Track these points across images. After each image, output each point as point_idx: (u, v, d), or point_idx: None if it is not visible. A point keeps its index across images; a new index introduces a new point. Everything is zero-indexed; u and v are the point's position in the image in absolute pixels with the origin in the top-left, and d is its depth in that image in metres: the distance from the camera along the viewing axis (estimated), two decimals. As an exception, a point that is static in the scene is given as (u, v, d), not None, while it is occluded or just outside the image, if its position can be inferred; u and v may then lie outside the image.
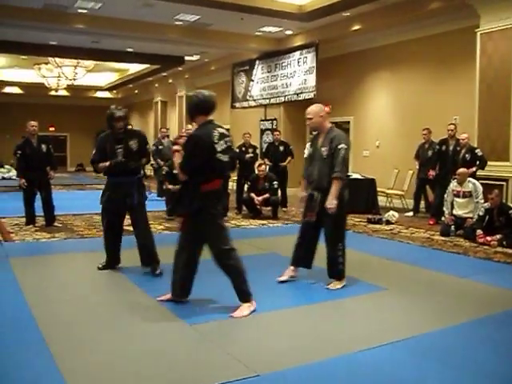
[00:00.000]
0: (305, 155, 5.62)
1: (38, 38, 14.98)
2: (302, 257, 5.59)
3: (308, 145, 5.63)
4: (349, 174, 11.48)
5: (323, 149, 5.27)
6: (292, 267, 5.63)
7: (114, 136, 5.90)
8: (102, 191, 6.02)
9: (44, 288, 5.29)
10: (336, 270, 5.39)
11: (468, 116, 10.18)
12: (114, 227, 6.01)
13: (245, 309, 4.47)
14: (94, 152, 5.98)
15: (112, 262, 6.03)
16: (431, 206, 10.32)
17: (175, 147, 4.71)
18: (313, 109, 5.41)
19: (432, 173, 10.00)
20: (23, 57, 19.12)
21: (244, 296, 4.54)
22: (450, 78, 11.30)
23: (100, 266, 6.00)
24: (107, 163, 5.80)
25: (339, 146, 5.16)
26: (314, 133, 5.57)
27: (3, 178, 20.79)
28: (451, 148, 9.68)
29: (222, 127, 4.55)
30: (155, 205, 11.72)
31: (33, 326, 4.10)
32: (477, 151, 9.24)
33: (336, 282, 5.40)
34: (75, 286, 5.42)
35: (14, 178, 18.66)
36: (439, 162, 9.96)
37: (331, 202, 5.09)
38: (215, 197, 4.49)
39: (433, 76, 11.75)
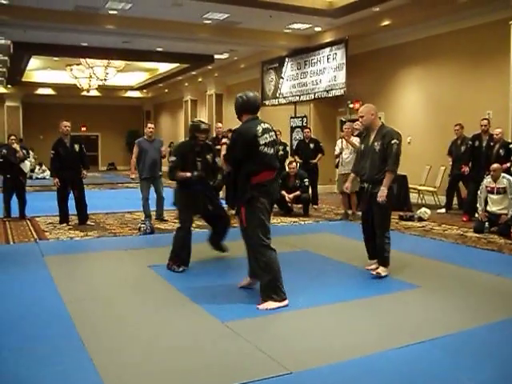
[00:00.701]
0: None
1: (70, 40, 15.20)
2: (374, 252, 5.86)
3: (357, 140, 5.82)
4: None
5: (376, 143, 5.64)
6: (370, 261, 5.95)
7: (193, 147, 6.11)
8: (175, 195, 6.14)
9: (78, 285, 5.37)
10: (382, 258, 5.68)
11: (501, 111, 10.00)
12: (189, 228, 6.18)
13: (270, 305, 4.55)
14: (174, 159, 6.07)
15: (186, 259, 6.07)
16: (464, 202, 10.17)
17: (224, 140, 5.18)
18: (364, 108, 5.86)
19: (465, 169, 9.84)
20: (55, 58, 19.42)
21: (266, 294, 4.63)
22: (483, 72, 11.11)
23: (177, 269, 5.93)
24: (188, 174, 6.01)
25: (392, 142, 5.52)
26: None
27: (37, 178, 21.20)
28: (484, 143, 9.52)
29: (266, 123, 4.80)
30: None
31: (68, 322, 4.16)
32: (511, 146, 9.08)
33: (382, 269, 5.65)
34: (108, 284, 5.49)
35: (48, 177, 19.10)
36: (472, 158, 9.79)
37: (383, 192, 5.45)
38: (264, 189, 4.66)
39: (465, 70, 11.56)
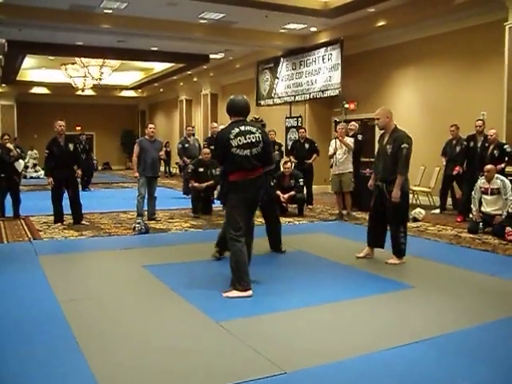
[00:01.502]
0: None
1: (65, 39, 15.17)
2: (374, 239, 6.44)
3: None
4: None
5: (388, 146, 6.17)
6: (367, 248, 6.50)
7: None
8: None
9: (72, 285, 5.35)
10: (397, 249, 6.21)
11: (496, 112, 10.03)
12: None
13: (234, 293, 4.87)
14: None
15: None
16: (458, 203, 10.20)
17: None
18: (380, 111, 6.32)
19: (458, 169, 9.86)
20: (50, 57, 19.39)
21: (231, 283, 4.97)
22: (478, 73, 11.15)
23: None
24: None
25: (402, 146, 6.04)
26: (381, 131, 6.49)
27: (31, 178, 21.15)
28: (479, 144, 9.55)
29: (250, 125, 5.12)
30: (181, 202, 11.84)
31: (62, 322, 4.15)
32: (505, 147, 9.12)
33: (395, 258, 6.21)
34: (103, 284, 5.48)
35: (42, 177, 19.05)
36: (467, 159, 9.82)
37: (396, 193, 6.01)
38: (237, 186, 4.98)
39: (460, 71, 11.60)
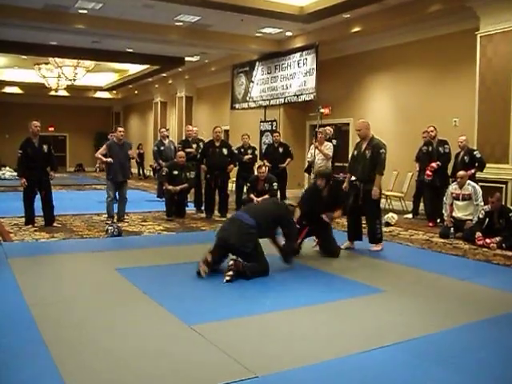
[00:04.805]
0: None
1: (39, 38, 14.98)
2: (354, 233, 7.47)
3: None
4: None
5: (367, 151, 7.23)
6: (349, 242, 7.49)
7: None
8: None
9: (43, 288, 5.28)
10: (375, 238, 7.35)
11: (468, 118, 10.19)
12: None
13: None
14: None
15: None
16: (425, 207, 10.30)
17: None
18: (362, 123, 7.49)
19: (433, 165, 9.84)
20: (23, 57, 19.11)
21: None
22: (450, 80, 11.32)
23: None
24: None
25: (380, 151, 7.17)
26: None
27: (0, 179, 20.83)
28: (434, 147, 9.73)
29: None
30: (154, 205, 11.78)
31: (32, 326, 4.09)
32: (475, 153, 9.26)
33: (376, 245, 7.35)
34: (74, 287, 5.41)
35: (12, 178, 18.78)
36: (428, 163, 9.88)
37: (375, 191, 7.11)
38: None
39: (433, 78, 11.76)
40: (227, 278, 5.41)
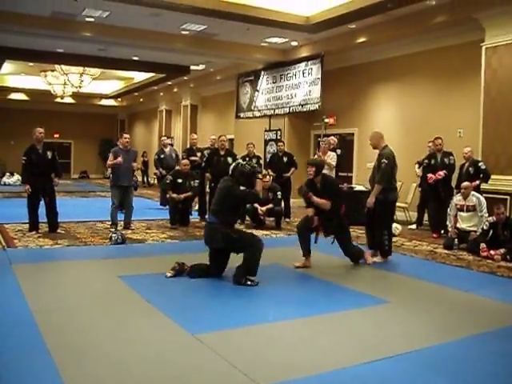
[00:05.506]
0: None
1: (45, 46, 15.07)
2: (371, 241, 7.48)
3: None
4: (352, 185, 11.57)
5: (376, 162, 7.25)
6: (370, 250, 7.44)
7: None
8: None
9: (46, 295, 5.29)
10: (382, 250, 7.27)
11: (473, 129, 10.19)
12: None
13: None
14: None
15: None
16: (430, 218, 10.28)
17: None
18: (375, 134, 7.46)
19: (438, 175, 9.79)
20: (30, 64, 19.20)
21: None
22: (455, 91, 11.33)
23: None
24: None
25: (382, 161, 7.11)
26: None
27: (4, 184, 20.90)
28: (439, 160, 9.70)
29: None
30: (158, 213, 11.78)
31: (35, 332, 4.09)
32: (480, 164, 9.25)
33: (379, 257, 7.26)
34: (77, 294, 5.41)
35: (13, 183, 18.86)
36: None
37: (371, 200, 7.12)
38: None
39: (437, 89, 11.77)
40: (168, 274, 5.99)
